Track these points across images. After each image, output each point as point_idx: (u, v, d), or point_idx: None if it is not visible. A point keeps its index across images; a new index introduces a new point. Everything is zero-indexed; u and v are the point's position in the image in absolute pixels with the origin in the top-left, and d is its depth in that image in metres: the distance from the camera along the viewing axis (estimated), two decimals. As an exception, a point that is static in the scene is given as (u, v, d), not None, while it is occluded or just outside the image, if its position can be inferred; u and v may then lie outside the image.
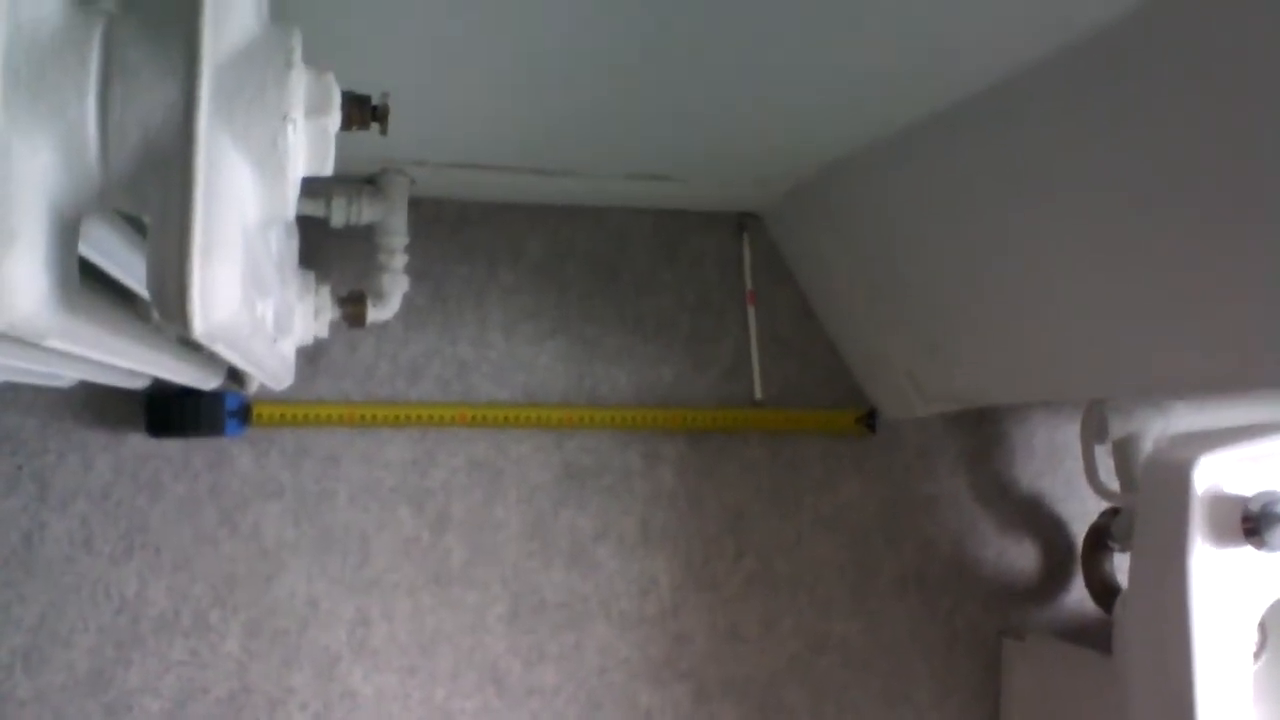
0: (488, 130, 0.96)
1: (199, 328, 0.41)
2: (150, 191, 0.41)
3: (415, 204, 1.08)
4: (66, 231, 0.42)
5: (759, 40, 0.72)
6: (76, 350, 0.51)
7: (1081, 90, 0.73)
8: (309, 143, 0.44)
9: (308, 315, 0.95)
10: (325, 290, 0.99)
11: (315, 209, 1.02)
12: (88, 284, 0.47)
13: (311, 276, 0.97)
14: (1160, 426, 1.14)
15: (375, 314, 1.04)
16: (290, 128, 0.42)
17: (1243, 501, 0.93)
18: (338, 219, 1.03)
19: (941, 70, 0.77)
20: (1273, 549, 0.92)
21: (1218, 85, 0.64)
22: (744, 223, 1.28)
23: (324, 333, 0.99)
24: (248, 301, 0.46)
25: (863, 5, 0.66)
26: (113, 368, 0.70)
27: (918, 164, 0.95)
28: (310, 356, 1.15)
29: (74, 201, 0.41)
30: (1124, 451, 1.16)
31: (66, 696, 1.10)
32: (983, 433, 1.34)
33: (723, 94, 0.84)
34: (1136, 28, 0.64)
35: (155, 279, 0.41)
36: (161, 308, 0.41)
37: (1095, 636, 1.23)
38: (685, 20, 0.69)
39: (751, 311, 1.28)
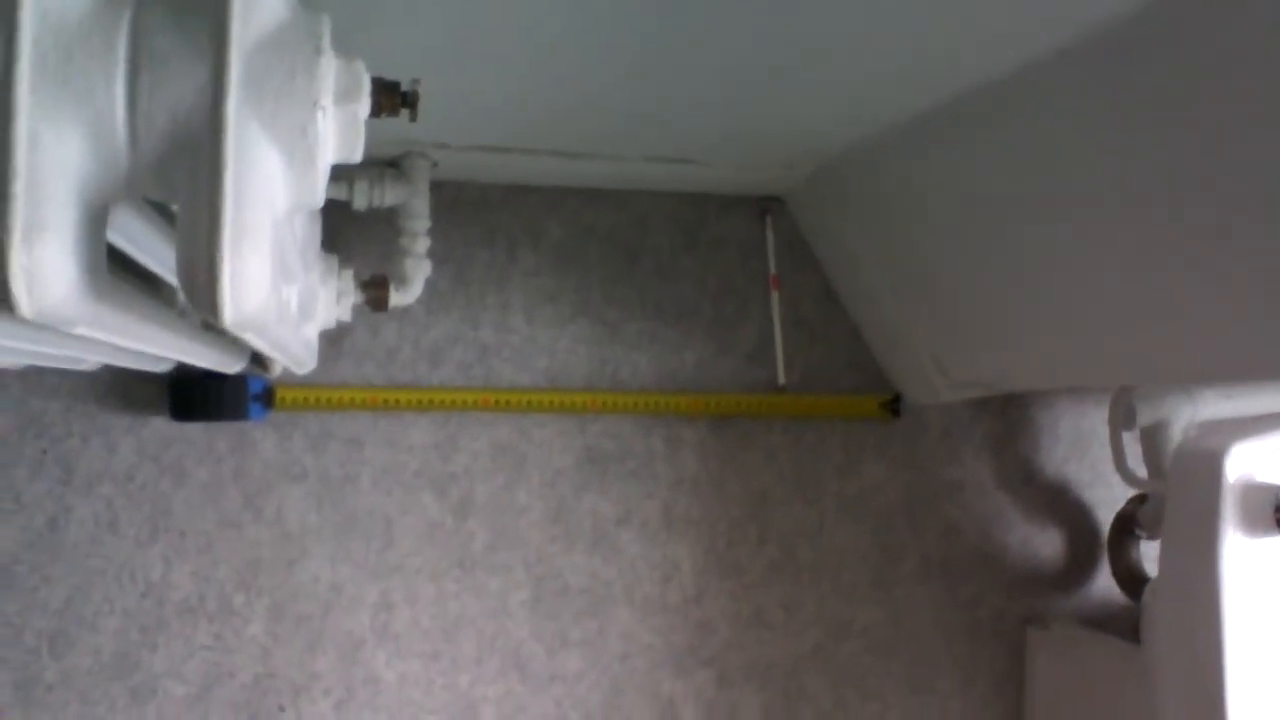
0: (509, 113, 0.95)
1: (230, 317, 0.41)
2: (179, 179, 0.41)
3: (437, 187, 1.07)
4: (95, 219, 0.41)
5: (780, 21, 0.71)
6: (103, 337, 0.51)
7: (1106, 77, 0.72)
8: (338, 130, 0.43)
9: (330, 299, 0.95)
10: (348, 274, 0.98)
11: (338, 192, 1.01)
12: (114, 270, 0.47)
13: (334, 260, 0.96)
14: (1189, 414, 1.12)
15: (398, 298, 1.04)
16: (320, 114, 0.41)
17: (1275, 490, 0.91)
18: (360, 202, 1.02)
19: (967, 53, 0.76)
20: (1306, 539, 0.91)
21: (1241, 74, 0.63)
22: (766, 206, 1.27)
23: (346, 317, 0.99)
24: (276, 289, 0.45)
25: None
26: (138, 352, 0.69)
27: (942, 147, 0.93)
28: (333, 340, 1.15)
29: (102, 189, 0.41)
30: (1152, 439, 1.15)
31: (92, 680, 1.10)
32: (1008, 418, 1.33)
33: (744, 75, 0.83)
34: (1163, 13, 0.63)
35: (186, 269, 0.41)
36: (193, 298, 0.41)
37: (1121, 625, 1.22)
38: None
39: (775, 296, 1.27)
